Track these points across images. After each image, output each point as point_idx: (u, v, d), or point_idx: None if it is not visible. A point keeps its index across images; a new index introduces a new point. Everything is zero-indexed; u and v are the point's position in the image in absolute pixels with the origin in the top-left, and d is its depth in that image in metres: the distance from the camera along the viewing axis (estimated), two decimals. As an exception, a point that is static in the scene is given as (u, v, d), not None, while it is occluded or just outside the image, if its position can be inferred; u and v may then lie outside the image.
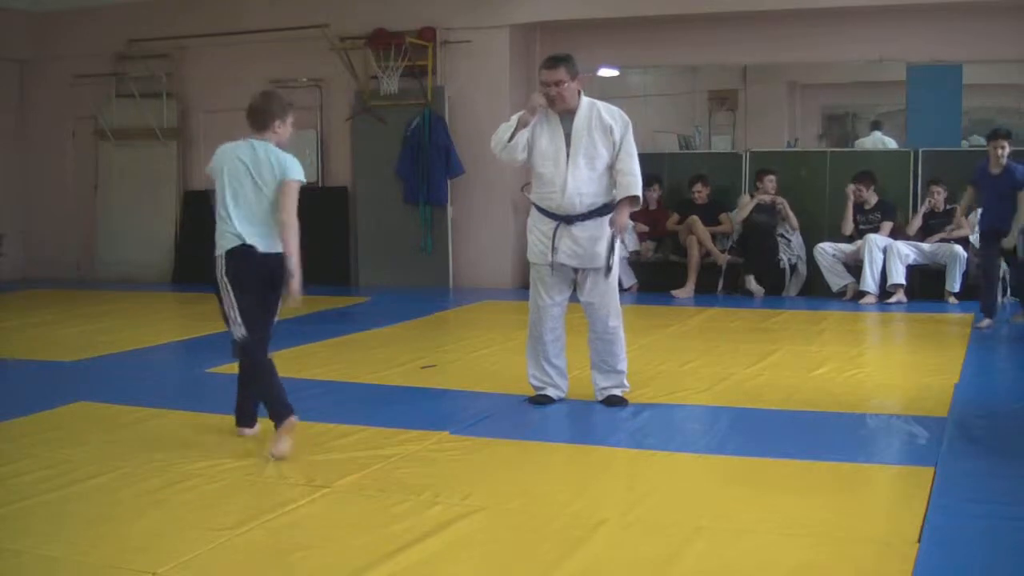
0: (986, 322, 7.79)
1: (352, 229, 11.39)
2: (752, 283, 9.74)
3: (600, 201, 5.19)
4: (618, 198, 5.18)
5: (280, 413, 4.44)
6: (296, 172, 4.72)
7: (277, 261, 4.61)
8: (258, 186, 4.68)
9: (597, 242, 5.21)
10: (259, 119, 4.85)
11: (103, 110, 12.22)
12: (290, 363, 6.63)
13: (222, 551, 3.31)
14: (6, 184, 12.62)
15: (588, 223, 5.18)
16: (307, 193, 12.48)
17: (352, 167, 11.41)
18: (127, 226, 12.17)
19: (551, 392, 5.41)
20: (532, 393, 5.46)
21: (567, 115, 5.16)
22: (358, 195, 11.30)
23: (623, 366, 5.41)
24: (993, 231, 7.83)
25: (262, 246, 4.61)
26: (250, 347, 4.60)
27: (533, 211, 5.32)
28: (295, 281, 4.61)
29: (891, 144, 10.73)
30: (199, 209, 12.01)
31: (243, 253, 4.55)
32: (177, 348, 7.67)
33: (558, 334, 5.39)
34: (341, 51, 10.92)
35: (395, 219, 11.04)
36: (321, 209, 11.45)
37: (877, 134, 11.00)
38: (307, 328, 8.20)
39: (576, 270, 5.26)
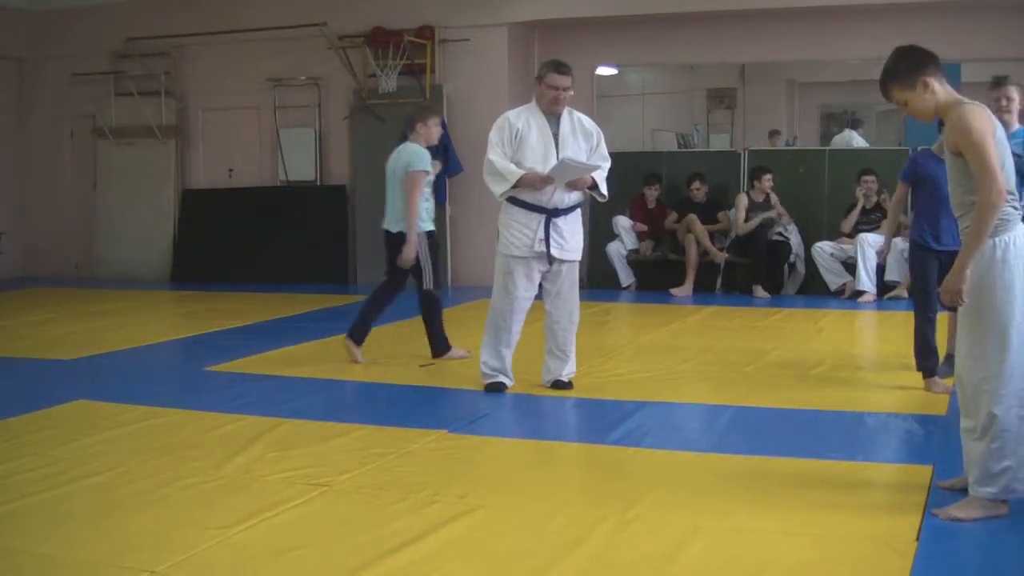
0: (941, 384, 5.52)
1: (351, 227, 11.38)
2: (760, 291, 9.76)
3: (580, 197, 5.62)
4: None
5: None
6: (416, 164, 6.28)
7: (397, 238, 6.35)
8: (395, 179, 6.36)
9: (575, 235, 5.60)
10: (407, 123, 6.51)
11: (102, 109, 12.22)
12: (289, 361, 6.66)
13: (220, 549, 3.31)
14: (5, 182, 12.62)
15: (570, 217, 5.56)
16: (306, 191, 12.54)
17: (351, 165, 11.41)
18: (126, 225, 12.17)
19: (504, 380, 5.63)
20: (535, 392, 5.51)
21: (553, 119, 5.49)
22: (357, 193, 11.29)
23: (574, 352, 5.72)
24: (941, 245, 5.42)
25: (394, 227, 6.41)
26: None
27: (510, 207, 5.53)
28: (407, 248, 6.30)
29: (861, 143, 10.75)
30: (198, 208, 12.06)
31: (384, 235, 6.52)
32: (176, 347, 7.67)
33: (521, 325, 5.63)
34: (339, 49, 10.92)
35: (394, 218, 11.02)
36: (320, 207, 11.47)
37: (848, 132, 10.97)
38: (306, 326, 8.21)
39: (550, 263, 5.51)
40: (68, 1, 12.07)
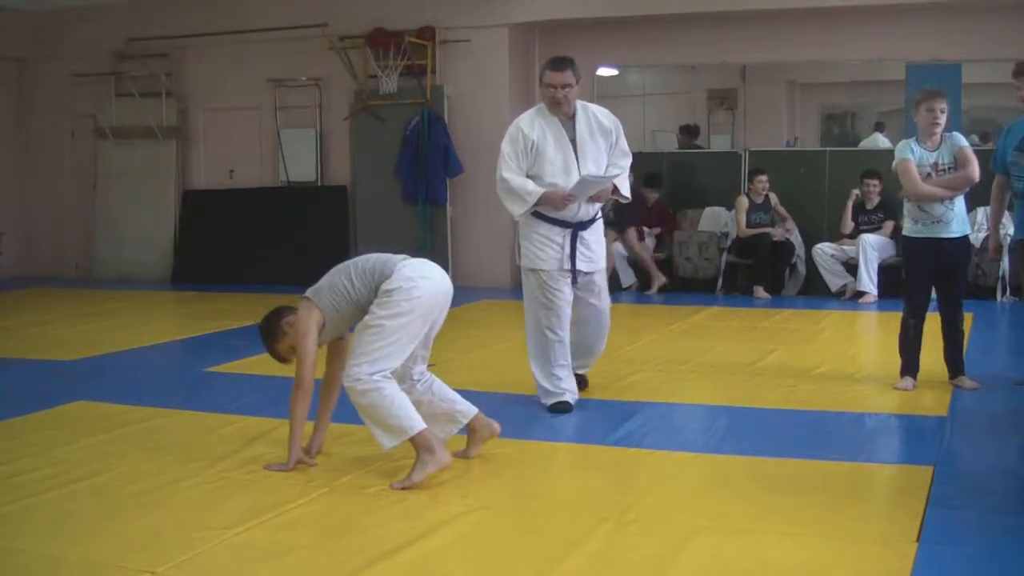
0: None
1: (351, 228, 11.38)
2: (760, 292, 9.76)
3: (601, 204, 5.32)
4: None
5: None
6: (896, 154, 5.60)
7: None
8: None
9: (600, 244, 5.33)
10: None
11: (102, 109, 12.22)
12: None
13: (221, 550, 3.31)
14: (5, 183, 12.61)
15: (595, 227, 5.28)
16: (306, 192, 12.54)
17: (351, 166, 11.41)
18: (126, 225, 12.18)
19: (569, 397, 5.21)
20: (533, 393, 5.40)
21: (567, 120, 5.12)
22: (357, 194, 11.29)
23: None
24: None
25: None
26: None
27: (533, 220, 5.16)
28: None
29: (886, 145, 10.74)
30: (198, 208, 12.06)
31: None
32: (176, 347, 7.67)
33: (569, 332, 5.29)
34: (340, 50, 10.92)
35: (394, 218, 11.03)
36: (320, 208, 11.47)
37: (878, 135, 10.97)
38: (306, 327, 8.20)
39: (576, 281, 5.23)
40: (68, 1, 12.06)
